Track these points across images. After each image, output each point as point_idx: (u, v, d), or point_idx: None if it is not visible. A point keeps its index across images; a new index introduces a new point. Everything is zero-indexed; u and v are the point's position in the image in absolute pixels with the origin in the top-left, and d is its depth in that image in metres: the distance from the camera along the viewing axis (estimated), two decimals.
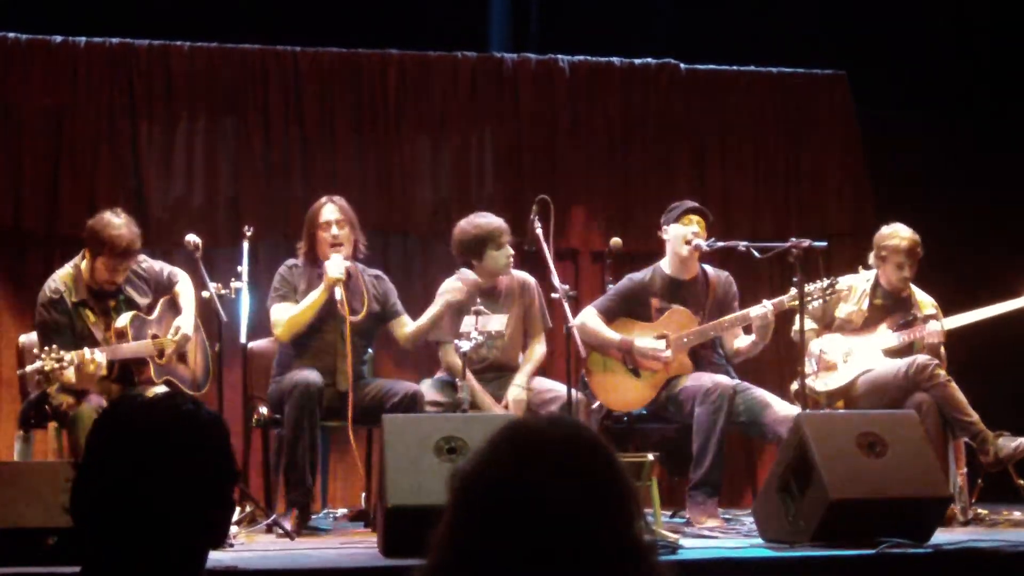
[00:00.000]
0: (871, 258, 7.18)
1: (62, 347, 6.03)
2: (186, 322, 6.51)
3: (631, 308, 6.97)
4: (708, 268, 7.07)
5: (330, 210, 6.66)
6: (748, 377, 6.96)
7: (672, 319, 6.89)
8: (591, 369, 6.91)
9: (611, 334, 6.88)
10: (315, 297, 6.53)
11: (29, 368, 6.03)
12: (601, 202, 8.60)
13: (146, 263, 6.57)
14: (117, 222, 6.23)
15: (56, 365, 5.91)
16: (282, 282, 6.70)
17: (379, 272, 6.94)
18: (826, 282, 6.76)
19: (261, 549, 5.55)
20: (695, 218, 6.88)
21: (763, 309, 6.69)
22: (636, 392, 6.89)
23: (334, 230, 6.61)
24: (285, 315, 6.58)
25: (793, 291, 6.57)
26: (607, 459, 1.83)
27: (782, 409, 6.59)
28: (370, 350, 6.90)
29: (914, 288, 7.22)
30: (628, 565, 1.79)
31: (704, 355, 6.91)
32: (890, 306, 7.15)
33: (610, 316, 6.96)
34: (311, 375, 6.40)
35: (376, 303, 6.77)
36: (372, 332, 6.85)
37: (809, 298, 6.67)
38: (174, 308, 6.58)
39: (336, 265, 6.51)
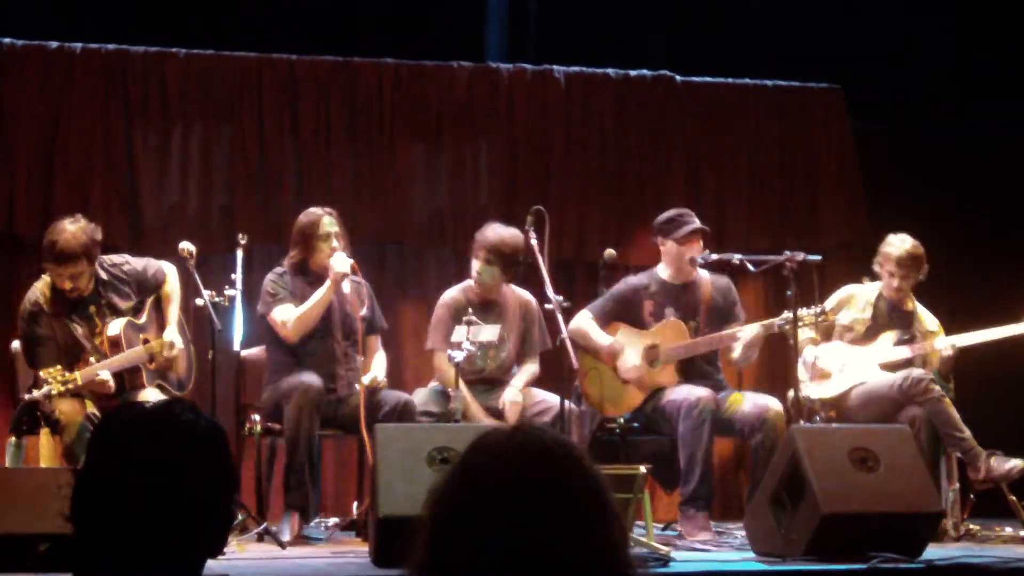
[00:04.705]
0: (875, 266, 7.19)
1: (47, 359, 6.07)
2: (173, 335, 6.51)
3: (626, 311, 7.00)
4: (704, 273, 7.08)
5: (330, 222, 6.72)
6: (746, 385, 6.98)
7: (665, 330, 6.90)
8: (582, 371, 6.91)
9: (602, 339, 6.92)
10: (323, 293, 6.58)
11: (38, 393, 6.00)
12: (596, 213, 8.61)
13: (127, 265, 6.56)
14: (62, 227, 6.19)
15: (63, 388, 5.93)
16: (277, 287, 6.71)
17: (364, 281, 6.98)
18: (818, 308, 6.78)
19: (252, 558, 5.56)
20: (699, 237, 6.91)
21: (751, 332, 6.72)
22: (624, 397, 6.90)
23: (334, 242, 6.65)
24: (292, 314, 6.59)
25: (786, 314, 6.59)
26: (581, 466, 1.81)
27: (754, 402, 6.68)
28: (360, 357, 6.87)
29: (919, 306, 7.21)
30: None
31: (697, 368, 6.91)
32: (893, 318, 7.15)
33: (605, 318, 6.99)
34: (311, 377, 6.43)
35: (368, 309, 6.81)
36: (364, 340, 6.84)
37: (800, 323, 6.69)
38: (161, 309, 6.59)
39: (341, 261, 6.56)
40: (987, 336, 7.02)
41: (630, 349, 6.89)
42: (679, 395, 6.69)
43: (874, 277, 7.26)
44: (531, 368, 7.05)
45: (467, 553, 1.75)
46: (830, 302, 7.10)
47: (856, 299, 7.16)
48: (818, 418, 7.04)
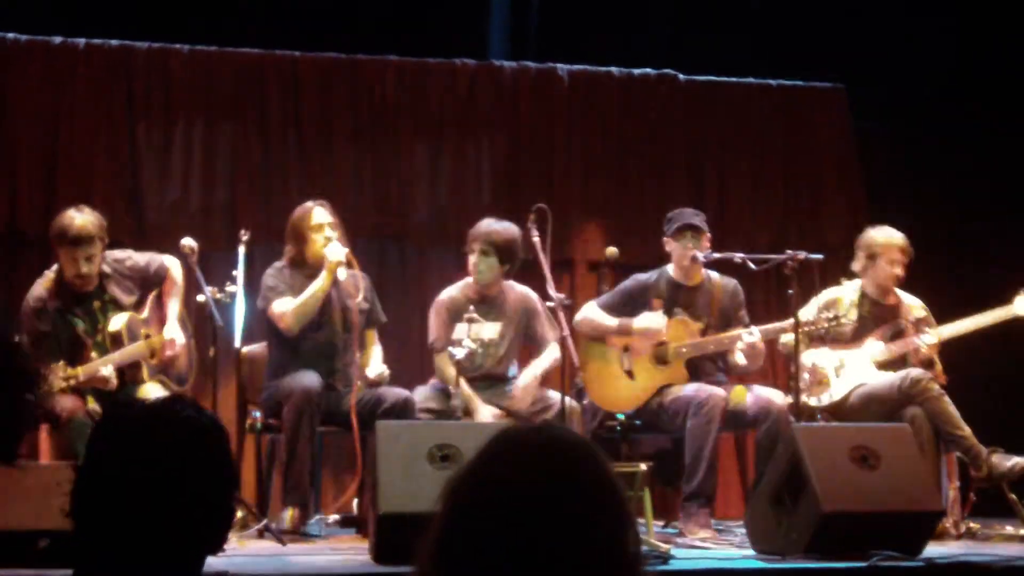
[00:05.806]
0: (858, 262, 7.17)
1: (51, 355, 6.06)
2: (174, 331, 6.52)
3: (633, 308, 6.99)
4: (714, 275, 7.08)
5: (321, 213, 6.72)
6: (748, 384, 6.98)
7: (672, 328, 6.90)
8: (587, 365, 6.88)
9: (610, 320, 6.92)
10: (320, 283, 6.57)
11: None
12: (598, 212, 8.60)
13: (130, 260, 6.58)
14: (72, 213, 6.28)
15: (65, 384, 5.94)
16: (276, 281, 6.71)
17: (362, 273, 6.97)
18: (831, 314, 6.79)
19: (253, 554, 5.55)
20: (689, 234, 6.90)
21: (751, 338, 6.73)
22: (629, 393, 6.90)
23: (327, 232, 6.65)
24: (291, 306, 6.59)
25: (792, 320, 6.60)
26: (600, 467, 1.82)
27: (759, 394, 6.71)
28: (358, 354, 6.86)
29: (900, 293, 7.22)
30: (619, 575, 1.79)
31: (702, 367, 6.91)
32: (879, 315, 7.15)
33: (610, 312, 6.98)
34: (310, 377, 6.41)
35: (365, 301, 6.81)
36: (362, 332, 6.85)
37: (814, 327, 6.70)
38: (162, 304, 6.61)
39: (336, 249, 6.57)
40: (975, 323, 7.03)
41: (642, 316, 6.89)
42: (689, 391, 6.69)
43: (850, 277, 7.25)
44: (552, 353, 6.90)
45: (478, 548, 1.75)
46: (812, 306, 7.06)
47: (841, 302, 7.14)
48: (819, 417, 7.04)
